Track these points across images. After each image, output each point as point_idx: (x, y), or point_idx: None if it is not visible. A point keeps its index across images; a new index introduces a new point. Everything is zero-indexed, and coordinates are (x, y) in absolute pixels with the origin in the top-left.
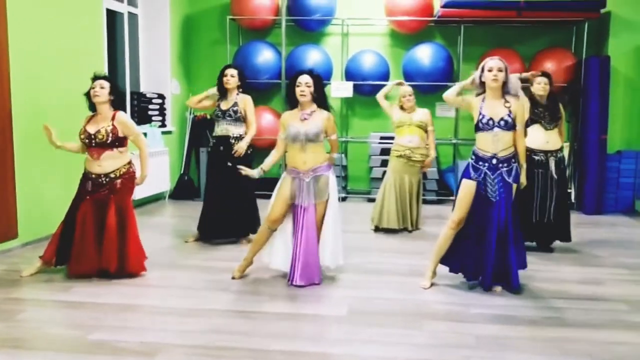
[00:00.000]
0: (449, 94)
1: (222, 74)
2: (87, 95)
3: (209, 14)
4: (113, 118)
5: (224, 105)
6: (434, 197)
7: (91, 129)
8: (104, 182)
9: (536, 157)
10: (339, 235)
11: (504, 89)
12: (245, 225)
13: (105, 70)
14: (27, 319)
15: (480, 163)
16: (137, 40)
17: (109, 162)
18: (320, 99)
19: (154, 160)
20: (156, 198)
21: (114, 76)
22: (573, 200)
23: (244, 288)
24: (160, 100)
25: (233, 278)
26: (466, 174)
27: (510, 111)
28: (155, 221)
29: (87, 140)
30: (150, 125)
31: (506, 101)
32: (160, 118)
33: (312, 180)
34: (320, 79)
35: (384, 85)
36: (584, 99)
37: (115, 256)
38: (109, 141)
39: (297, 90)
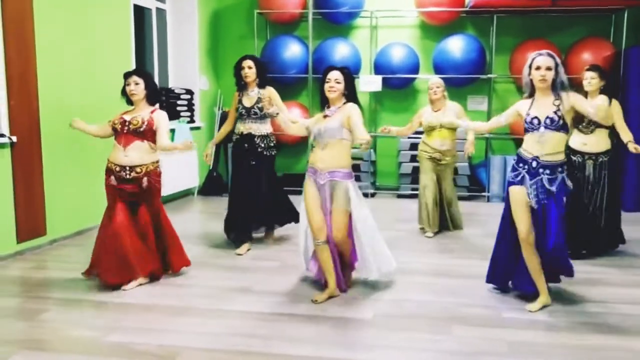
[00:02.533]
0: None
1: (239, 66)
2: (123, 92)
3: (237, 8)
4: (152, 112)
5: (246, 102)
6: (466, 192)
7: (127, 117)
8: (129, 176)
9: (573, 158)
10: (377, 246)
11: (554, 87)
12: (274, 217)
13: (133, 67)
14: (49, 319)
15: (521, 165)
16: (165, 36)
17: (136, 154)
18: (351, 97)
19: (182, 156)
20: (185, 194)
21: None
22: None
23: (266, 289)
24: (188, 96)
25: (315, 302)
26: (508, 179)
27: (558, 109)
28: (182, 217)
29: (119, 126)
30: (178, 121)
31: (556, 98)
32: (188, 114)
33: (327, 183)
34: (351, 76)
35: (414, 79)
36: (623, 91)
37: (158, 262)
38: (142, 129)
39: (326, 86)
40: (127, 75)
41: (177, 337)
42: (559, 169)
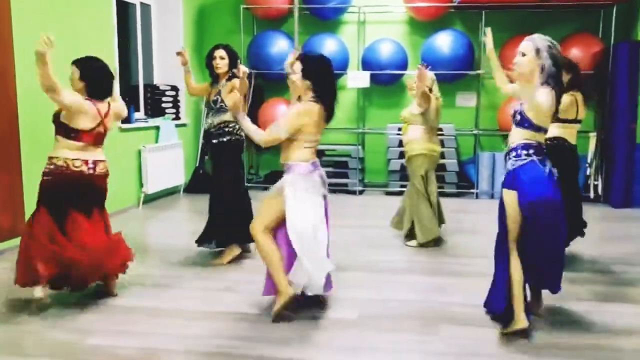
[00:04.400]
0: (501, 86)
1: (210, 56)
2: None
3: (223, 3)
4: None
5: (212, 94)
6: (454, 189)
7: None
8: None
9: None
10: (302, 260)
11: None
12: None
13: (116, 63)
14: (26, 322)
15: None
16: (150, 31)
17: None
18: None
19: (168, 153)
20: (171, 192)
21: (126, 69)
22: (600, 193)
23: (250, 289)
24: (173, 93)
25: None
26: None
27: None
28: (168, 216)
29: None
30: (163, 117)
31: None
32: (174, 111)
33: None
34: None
35: (402, 75)
36: (611, 86)
37: None
38: None
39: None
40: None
41: (159, 340)
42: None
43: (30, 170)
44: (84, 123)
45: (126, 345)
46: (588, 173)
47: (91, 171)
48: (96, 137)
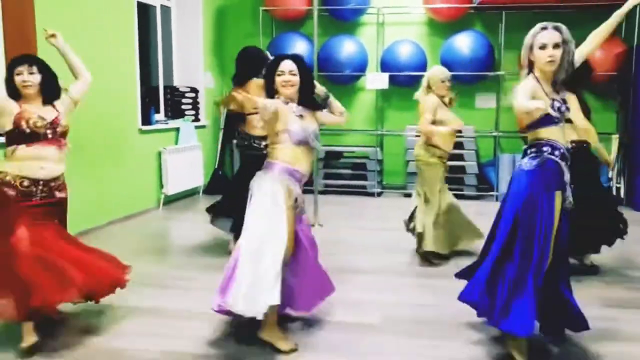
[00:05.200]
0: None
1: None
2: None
3: (242, 5)
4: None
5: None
6: (474, 192)
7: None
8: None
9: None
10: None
11: (559, 71)
12: None
13: (137, 64)
14: (50, 323)
15: (564, 163)
16: (170, 33)
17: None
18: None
19: (187, 154)
20: (190, 193)
21: (146, 70)
22: (622, 196)
23: None
24: (193, 94)
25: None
26: (557, 180)
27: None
28: (188, 217)
29: (44, 130)
30: (183, 119)
31: (555, 89)
32: (193, 112)
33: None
34: (307, 67)
35: (421, 76)
36: (634, 88)
37: None
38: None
39: (280, 79)
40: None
41: (180, 342)
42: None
43: None
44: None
45: (146, 348)
46: (610, 176)
47: None
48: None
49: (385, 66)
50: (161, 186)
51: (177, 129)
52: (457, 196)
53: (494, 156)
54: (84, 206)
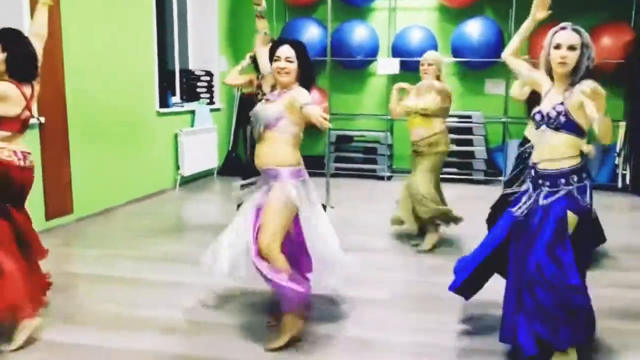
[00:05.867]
0: (507, 53)
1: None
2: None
3: None
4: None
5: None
6: (482, 177)
7: None
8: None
9: None
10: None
11: (575, 73)
12: None
13: (155, 49)
14: (77, 294)
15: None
16: (185, 18)
17: None
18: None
19: (203, 137)
20: (205, 174)
21: (162, 54)
22: (628, 182)
23: None
24: (208, 78)
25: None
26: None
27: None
28: (203, 198)
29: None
30: (198, 102)
31: (566, 88)
32: (208, 95)
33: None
34: (306, 52)
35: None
36: None
37: None
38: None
39: (274, 65)
40: None
41: (203, 313)
42: (562, 181)
43: (77, 154)
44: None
45: (171, 317)
46: (616, 162)
47: (21, 163)
48: (23, 124)
49: (396, 51)
50: (177, 167)
51: (193, 112)
52: (466, 181)
53: (502, 142)
54: (105, 186)
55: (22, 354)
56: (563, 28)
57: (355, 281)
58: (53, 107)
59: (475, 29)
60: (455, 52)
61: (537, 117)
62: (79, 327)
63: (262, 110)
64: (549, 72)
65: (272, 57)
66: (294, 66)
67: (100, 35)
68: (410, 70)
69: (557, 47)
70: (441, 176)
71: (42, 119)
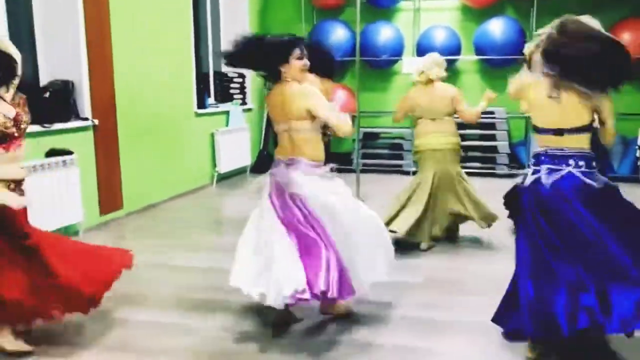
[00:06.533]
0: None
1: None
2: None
3: None
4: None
5: None
6: (505, 171)
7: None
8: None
9: None
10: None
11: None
12: None
13: (192, 52)
14: (137, 279)
15: None
16: (219, 21)
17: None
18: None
19: (237, 136)
20: (239, 172)
21: (198, 56)
22: None
23: None
24: (240, 80)
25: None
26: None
27: None
28: (237, 192)
29: (14, 129)
30: (232, 103)
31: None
32: (241, 96)
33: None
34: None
35: (455, 61)
36: None
37: None
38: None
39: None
40: None
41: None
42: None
43: (125, 153)
44: None
45: (214, 299)
46: (638, 155)
47: None
48: None
49: (421, 51)
50: (214, 165)
51: (227, 112)
52: (489, 175)
53: (525, 136)
54: (148, 184)
55: (101, 331)
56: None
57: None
58: (105, 111)
59: (497, 28)
60: (478, 50)
61: None
62: (145, 307)
63: None
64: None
65: (283, 56)
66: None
67: (144, 42)
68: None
69: None
70: (465, 170)
71: (96, 122)
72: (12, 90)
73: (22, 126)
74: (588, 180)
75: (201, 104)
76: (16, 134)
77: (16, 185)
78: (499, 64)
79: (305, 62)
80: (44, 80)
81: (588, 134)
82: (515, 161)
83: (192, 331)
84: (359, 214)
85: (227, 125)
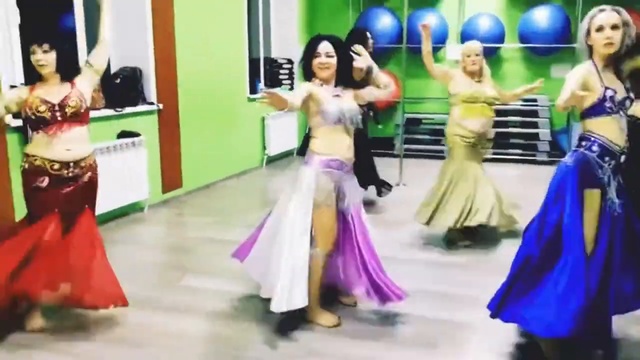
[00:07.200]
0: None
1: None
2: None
3: None
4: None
5: None
6: (546, 158)
7: (50, 98)
8: (70, 174)
9: None
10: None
11: (618, 54)
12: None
13: (245, 39)
14: (200, 252)
15: (607, 159)
16: (269, 8)
17: (79, 144)
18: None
19: (285, 120)
20: (287, 154)
21: (250, 42)
22: None
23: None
24: (289, 65)
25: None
26: (589, 178)
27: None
28: (285, 173)
29: (49, 114)
30: (280, 87)
31: (616, 72)
32: (289, 82)
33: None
34: (345, 48)
35: (498, 48)
36: None
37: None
38: (82, 110)
39: (315, 62)
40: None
41: None
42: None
43: (185, 135)
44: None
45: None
46: None
47: None
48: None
49: (464, 38)
50: (264, 147)
51: None
52: (530, 162)
53: (567, 124)
54: (205, 164)
55: (171, 297)
56: (602, 10)
57: (433, 247)
58: (168, 96)
59: (542, 16)
60: (522, 38)
61: (616, 100)
62: (210, 277)
63: (343, 105)
64: (590, 56)
65: (310, 53)
66: (334, 61)
67: (202, 32)
68: None
69: (600, 29)
70: (506, 157)
71: (161, 106)
72: (85, 69)
73: (67, 110)
74: None
75: (253, 89)
76: (59, 118)
77: (62, 165)
78: (543, 52)
79: (321, 60)
80: (114, 68)
81: None
82: (557, 149)
83: (242, 297)
84: None
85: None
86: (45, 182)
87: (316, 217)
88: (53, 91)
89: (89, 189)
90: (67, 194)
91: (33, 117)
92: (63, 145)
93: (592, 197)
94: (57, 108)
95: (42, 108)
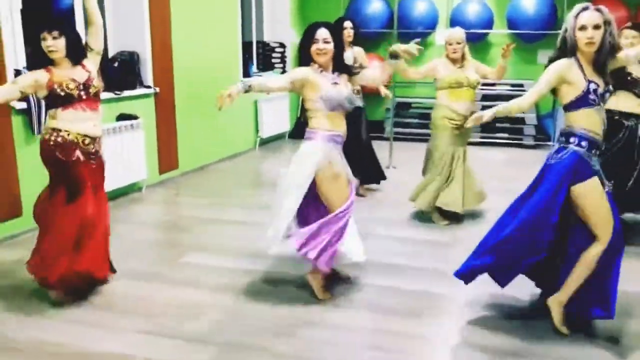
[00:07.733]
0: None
1: (341, 27)
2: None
3: None
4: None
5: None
6: (532, 142)
7: (77, 77)
8: (95, 151)
9: (627, 123)
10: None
11: (601, 51)
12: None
13: (239, 22)
14: (196, 232)
15: (594, 151)
16: None
17: (99, 123)
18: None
19: (277, 104)
20: (279, 137)
21: (243, 26)
22: None
23: (362, 217)
24: (281, 49)
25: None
26: (586, 170)
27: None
28: (277, 155)
29: (76, 92)
30: (273, 71)
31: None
32: (281, 65)
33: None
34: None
35: (487, 34)
36: None
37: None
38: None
39: (314, 47)
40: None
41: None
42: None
43: (180, 118)
44: None
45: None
46: None
47: None
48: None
49: (454, 23)
50: (257, 130)
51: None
52: (516, 145)
53: (552, 109)
54: (200, 146)
55: (174, 272)
56: (585, 9)
57: (418, 226)
58: (164, 80)
59: (529, 2)
60: (510, 24)
61: (598, 92)
62: (209, 254)
63: (342, 91)
64: (573, 53)
65: (308, 40)
66: (330, 47)
67: (197, 16)
68: (467, 41)
69: (583, 28)
70: (492, 141)
71: (157, 89)
72: (93, 59)
73: (91, 90)
74: None
75: (246, 72)
76: (84, 97)
77: (91, 140)
78: (531, 38)
79: (319, 45)
80: (112, 52)
81: None
82: (542, 133)
83: (242, 272)
84: None
85: (268, 93)
86: (79, 155)
87: (337, 187)
88: (73, 73)
89: (104, 166)
90: (94, 169)
91: (62, 93)
92: (91, 122)
93: (593, 183)
94: (82, 87)
95: (72, 85)
